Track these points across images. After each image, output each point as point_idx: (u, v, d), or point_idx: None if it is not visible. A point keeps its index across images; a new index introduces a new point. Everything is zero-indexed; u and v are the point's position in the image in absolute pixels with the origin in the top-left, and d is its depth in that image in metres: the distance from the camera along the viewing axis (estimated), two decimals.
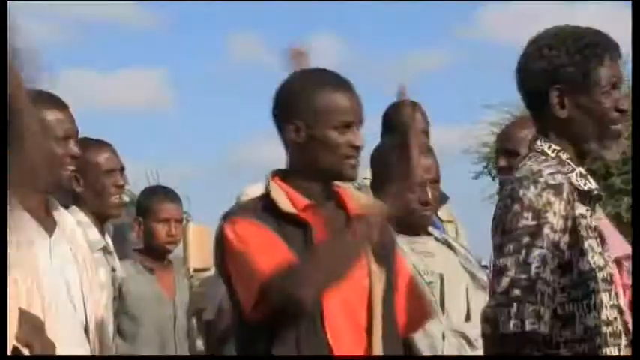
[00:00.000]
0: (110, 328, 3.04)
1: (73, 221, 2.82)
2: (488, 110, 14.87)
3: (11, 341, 1.87)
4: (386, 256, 2.60)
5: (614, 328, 2.26)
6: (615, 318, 2.26)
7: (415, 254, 3.16)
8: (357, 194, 2.69)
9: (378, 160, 3.36)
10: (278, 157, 2.65)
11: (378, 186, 3.24)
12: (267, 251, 2.43)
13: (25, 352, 1.94)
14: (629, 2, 2.40)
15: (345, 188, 2.64)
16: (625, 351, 2.24)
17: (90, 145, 3.46)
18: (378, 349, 2.49)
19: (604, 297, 2.25)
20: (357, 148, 2.51)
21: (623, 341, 2.26)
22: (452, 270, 3.13)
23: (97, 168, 3.48)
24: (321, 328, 2.45)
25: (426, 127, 4.14)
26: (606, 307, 2.25)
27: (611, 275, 2.29)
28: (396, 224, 3.08)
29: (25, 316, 1.97)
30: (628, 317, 2.29)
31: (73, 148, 2.73)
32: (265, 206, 2.49)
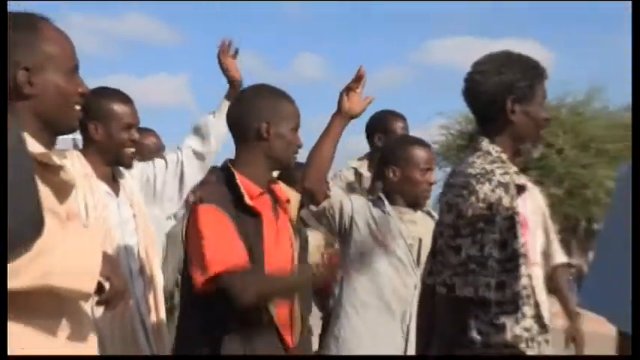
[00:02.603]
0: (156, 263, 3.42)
1: (131, 182, 3.51)
2: (439, 116, 19.34)
3: (96, 277, 2.07)
4: (299, 229, 3.10)
5: (528, 291, 2.67)
6: (528, 283, 2.68)
7: (402, 222, 3.82)
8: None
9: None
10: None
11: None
12: (226, 244, 2.76)
13: (106, 285, 2.14)
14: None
15: None
16: (532, 309, 2.66)
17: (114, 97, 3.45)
18: (297, 309, 2.97)
19: (523, 268, 2.63)
20: (300, 146, 3.05)
21: (532, 300, 2.68)
22: (429, 235, 3.37)
23: (118, 120, 3.40)
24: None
25: (405, 131, 4.78)
26: (523, 275, 2.63)
27: (527, 251, 2.68)
28: (404, 197, 3.86)
29: (105, 256, 2.13)
30: (534, 282, 2.72)
31: (134, 134, 3.42)
32: (232, 198, 2.87)
